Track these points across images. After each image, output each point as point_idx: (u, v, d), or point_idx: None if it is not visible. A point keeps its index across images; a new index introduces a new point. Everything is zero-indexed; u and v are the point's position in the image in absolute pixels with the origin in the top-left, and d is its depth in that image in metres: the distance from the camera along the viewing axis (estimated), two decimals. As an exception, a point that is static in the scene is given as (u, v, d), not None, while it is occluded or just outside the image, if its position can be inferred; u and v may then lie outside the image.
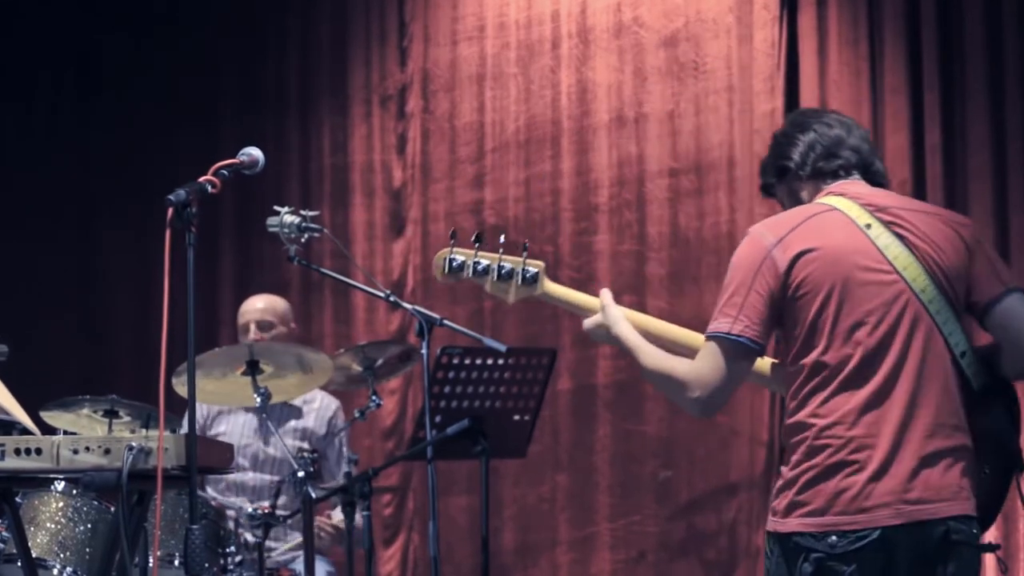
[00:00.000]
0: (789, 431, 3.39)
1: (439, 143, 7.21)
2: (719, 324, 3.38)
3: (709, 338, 3.40)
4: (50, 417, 5.06)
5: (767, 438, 6.45)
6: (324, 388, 5.86)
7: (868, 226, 3.42)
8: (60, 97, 7.93)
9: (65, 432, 4.78)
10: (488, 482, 5.08)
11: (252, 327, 6.00)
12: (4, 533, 4.54)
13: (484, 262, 3.64)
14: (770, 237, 3.41)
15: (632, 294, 6.77)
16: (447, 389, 5.20)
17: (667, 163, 6.78)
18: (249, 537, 5.19)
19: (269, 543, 5.40)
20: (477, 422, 5.00)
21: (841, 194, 3.50)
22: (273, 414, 5.88)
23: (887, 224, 3.43)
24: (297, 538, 5.79)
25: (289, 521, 5.41)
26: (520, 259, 3.62)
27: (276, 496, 5.33)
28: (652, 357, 3.51)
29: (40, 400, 4.95)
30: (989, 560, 5.98)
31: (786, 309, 3.38)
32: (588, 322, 3.64)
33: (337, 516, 5.89)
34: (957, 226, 3.50)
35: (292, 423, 6.01)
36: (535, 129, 7.03)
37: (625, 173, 6.86)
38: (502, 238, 3.71)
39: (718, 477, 6.61)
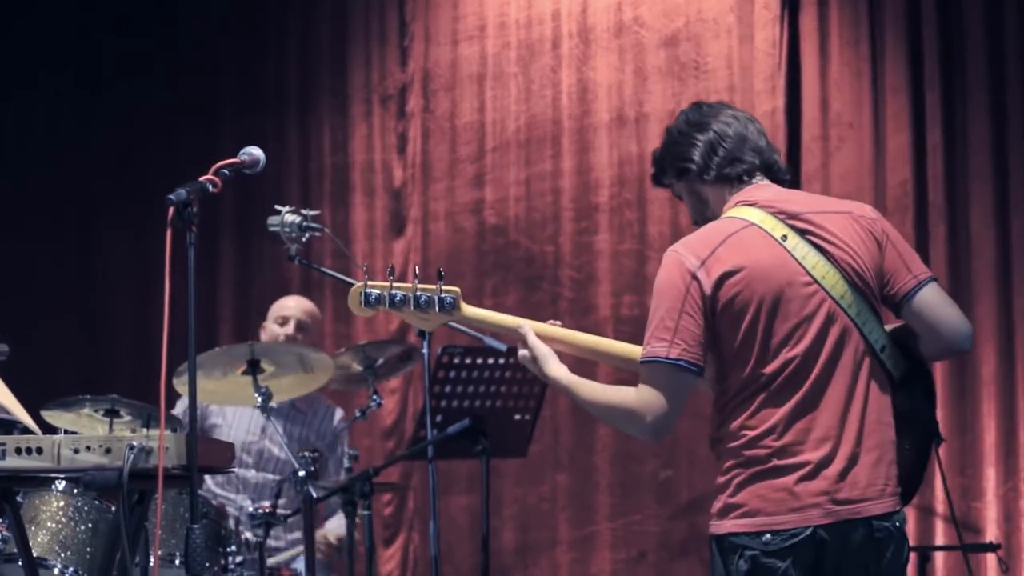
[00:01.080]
0: (720, 439, 3.51)
1: (439, 143, 7.21)
2: (655, 349, 3.42)
3: (646, 363, 3.44)
4: (51, 416, 5.05)
5: (768, 438, 6.44)
6: (325, 388, 5.85)
7: (784, 237, 3.47)
8: (60, 97, 7.93)
9: (66, 431, 4.78)
10: (488, 481, 5.09)
11: (292, 323, 6.06)
12: (5, 532, 4.53)
13: (400, 293, 3.67)
14: (692, 259, 3.43)
15: (632, 294, 6.78)
16: (448, 389, 5.20)
17: (668, 163, 6.77)
18: (250, 537, 5.19)
19: (270, 542, 5.40)
20: (477, 422, 5.01)
21: (752, 203, 3.52)
22: (278, 414, 5.88)
23: (802, 233, 3.48)
24: (295, 535, 5.80)
25: (289, 520, 5.41)
26: (436, 287, 3.63)
27: (277, 496, 5.33)
28: (591, 391, 3.55)
29: (40, 400, 4.94)
30: (990, 560, 5.99)
31: (716, 328, 3.43)
32: (521, 355, 3.64)
33: (333, 528, 5.89)
34: (867, 222, 3.55)
35: (296, 429, 6.01)
36: (536, 129, 7.03)
37: (626, 173, 6.86)
38: (416, 269, 3.80)
39: (718, 477, 6.60)
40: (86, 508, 4.69)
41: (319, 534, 5.80)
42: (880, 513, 3.44)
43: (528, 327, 3.63)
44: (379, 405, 5.33)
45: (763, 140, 3.61)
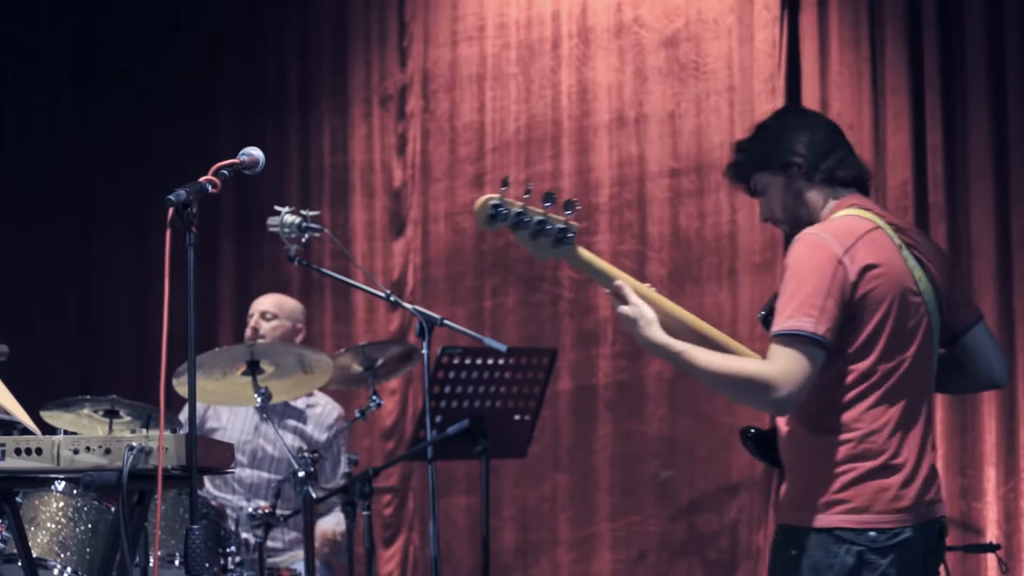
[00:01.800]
0: (827, 429, 3.50)
1: (439, 143, 7.21)
2: (801, 323, 3.41)
3: (790, 335, 3.41)
4: (50, 417, 5.05)
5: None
6: (324, 388, 5.86)
7: (899, 247, 3.57)
8: (60, 97, 7.93)
9: (65, 432, 4.79)
10: (488, 482, 5.09)
11: (255, 316, 6.08)
12: (4, 533, 4.53)
13: (526, 215, 3.49)
14: (837, 246, 3.47)
15: (632, 294, 6.77)
16: (447, 389, 5.20)
17: (668, 163, 6.78)
18: (249, 537, 5.19)
19: (269, 543, 5.40)
20: (477, 422, 5.01)
21: (868, 209, 3.61)
22: (274, 412, 5.88)
23: (908, 246, 3.60)
24: (293, 535, 5.80)
25: (288, 520, 5.41)
26: (562, 218, 3.50)
27: (277, 496, 5.33)
28: (710, 358, 3.49)
29: (40, 400, 4.94)
30: (991, 560, 5.99)
31: (850, 316, 3.47)
32: (624, 310, 3.52)
33: (330, 524, 5.88)
34: (941, 250, 3.75)
35: (292, 423, 6.01)
36: (535, 129, 7.03)
37: (626, 173, 6.85)
38: (550, 196, 3.54)
39: (719, 477, 6.61)
40: (86, 508, 4.69)
41: (317, 531, 5.79)
42: (946, 514, 3.67)
43: (627, 285, 3.56)
44: (378, 406, 5.34)
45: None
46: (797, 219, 3.65)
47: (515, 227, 3.48)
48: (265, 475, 5.93)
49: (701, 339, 3.63)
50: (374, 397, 5.31)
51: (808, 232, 3.53)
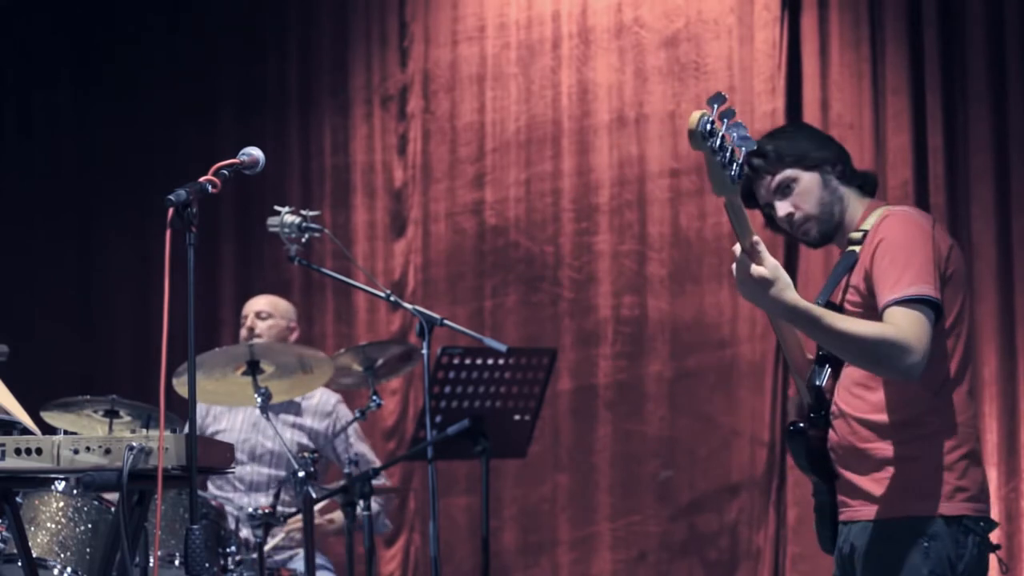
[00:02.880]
0: (937, 409, 3.44)
1: (440, 143, 7.21)
2: (924, 289, 3.36)
3: (918, 300, 3.34)
4: (50, 417, 5.05)
5: (768, 438, 6.45)
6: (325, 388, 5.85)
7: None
8: (60, 97, 7.93)
9: (65, 432, 4.79)
10: (488, 482, 5.09)
11: (251, 317, 6.08)
12: (4, 533, 4.53)
13: (724, 143, 3.15)
14: (925, 223, 3.49)
15: (632, 294, 6.77)
16: (447, 389, 5.20)
17: (668, 163, 6.78)
18: (249, 537, 5.19)
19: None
20: (477, 422, 5.01)
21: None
22: (272, 407, 5.88)
23: None
24: (284, 533, 5.80)
25: (288, 521, 5.41)
26: (741, 155, 3.17)
27: (277, 496, 5.33)
28: (846, 321, 3.33)
29: (40, 400, 4.94)
30: (991, 560, 5.98)
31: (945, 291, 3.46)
32: (760, 271, 3.23)
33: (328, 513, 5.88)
34: None
35: (291, 417, 6.01)
36: (536, 129, 7.03)
37: (626, 173, 6.85)
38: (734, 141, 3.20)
39: (719, 477, 6.61)
40: (86, 508, 4.69)
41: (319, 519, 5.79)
42: None
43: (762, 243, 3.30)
44: (379, 406, 5.33)
45: None
46: (830, 217, 3.64)
47: (714, 151, 3.12)
48: (265, 471, 5.93)
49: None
50: (374, 397, 5.31)
51: (898, 209, 3.55)
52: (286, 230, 4.82)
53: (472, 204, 7.12)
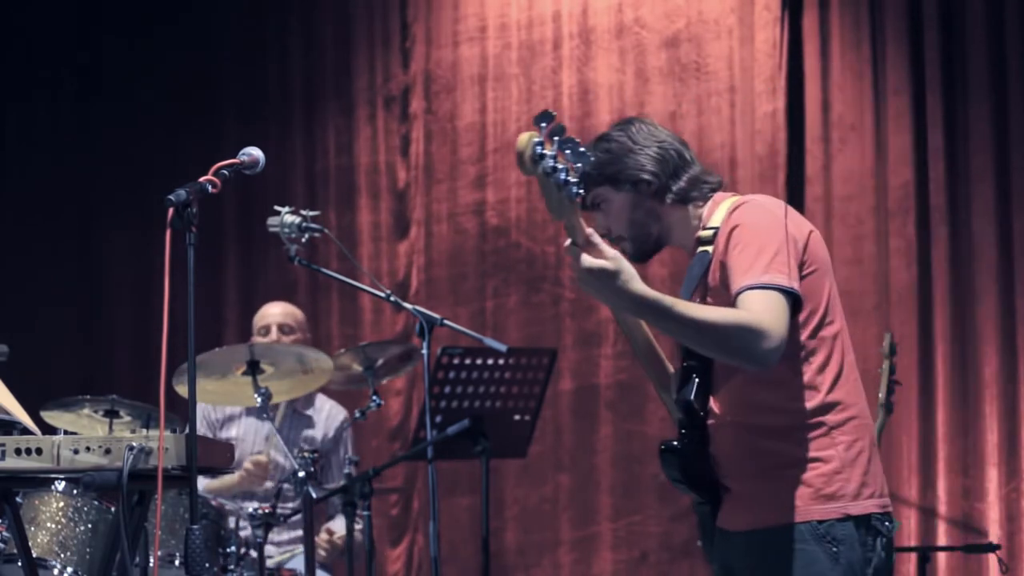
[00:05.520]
0: (820, 410, 3.22)
1: (441, 144, 7.21)
2: (777, 278, 3.14)
3: (769, 289, 3.13)
4: (50, 417, 5.05)
5: (768, 439, 6.44)
6: (325, 388, 5.85)
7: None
8: (61, 97, 7.93)
9: (65, 432, 4.78)
10: (488, 482, 5.09)
11: (274, 329, 6.01)
12: (4, 533, 4.53)
13: (559, 166, 3.05)
14: (778, 210, 3.27)
15: (633, 295, 6.76)
16: (448, 389, 5.20)
17: (669, 164, 6.77)
18: (250, 537, 5.19)
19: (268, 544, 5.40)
20: (477, 422, 5.00)
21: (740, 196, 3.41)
22: (284, 425, 5.89)
23: None
24: (292, 534, 5.80)
25: (288, 521, 5.41)
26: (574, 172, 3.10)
27: (277, 496, 5.33)
28: (698, 308, 3.15)
29: (40, 400, 4.94)
30: (991, 560, 5.98)
31: (802, 282, 3.24)
32: (601, 264, 3.12)
33: (337, 528, 5.88)
34: None
35: (306, 432, 6.01)
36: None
37: (627, 174, 6.84)
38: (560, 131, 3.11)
39: (719, 478, 6.60)
40: (86, 508, 4.69)
41: (323, 533, 5.79)
42: None
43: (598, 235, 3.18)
44: (379, 406, 5.32)
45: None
46: (646, 236, 3.50)
47: (547, 174, 3.04)
48: (270, 484, 5.93)
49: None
50: (374, 397, 5.30)
51: (746, 198, 3.34)
52: (286, 230, 4.81)
53: (474, 204, 7.12)
